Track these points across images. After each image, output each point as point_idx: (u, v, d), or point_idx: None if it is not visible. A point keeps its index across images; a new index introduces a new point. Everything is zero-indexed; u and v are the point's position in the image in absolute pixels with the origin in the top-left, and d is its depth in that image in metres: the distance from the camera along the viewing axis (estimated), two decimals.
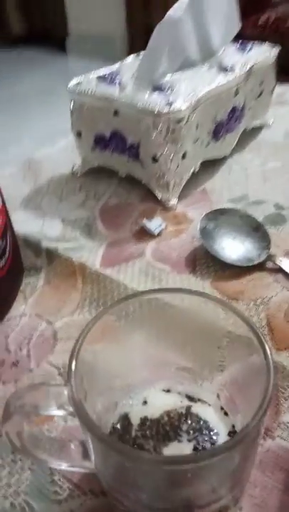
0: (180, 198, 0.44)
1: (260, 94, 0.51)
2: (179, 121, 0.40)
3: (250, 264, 0.36)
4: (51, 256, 0.39)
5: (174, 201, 0.44)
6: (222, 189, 0.46)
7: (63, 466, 0.24)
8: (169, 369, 0.26)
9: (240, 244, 0.38)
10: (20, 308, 0.36)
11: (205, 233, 0.38)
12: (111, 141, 0.45)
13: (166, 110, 0.39)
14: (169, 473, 0.18)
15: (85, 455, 0.24)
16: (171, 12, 0.43)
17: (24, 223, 0.43)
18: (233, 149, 0.50)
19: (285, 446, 0.26)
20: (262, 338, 0.21)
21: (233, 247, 0.38)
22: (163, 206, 0.44)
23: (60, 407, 0.20)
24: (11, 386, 0.30)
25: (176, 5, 0.44)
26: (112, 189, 0.47)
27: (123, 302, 0.22)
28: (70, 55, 2.51)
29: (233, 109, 0.47)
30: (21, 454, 0.25)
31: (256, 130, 0.55)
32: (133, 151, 0.44)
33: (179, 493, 0.19)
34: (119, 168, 0.47)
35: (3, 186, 0.34)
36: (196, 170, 0.45)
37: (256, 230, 0.38)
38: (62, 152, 0.54)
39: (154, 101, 0.41)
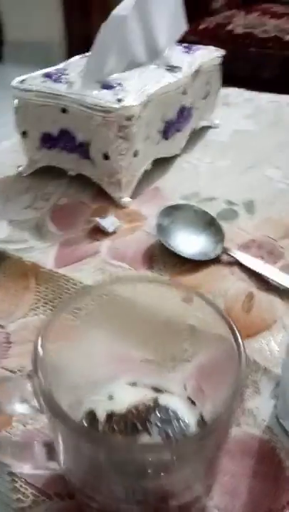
0: (133, 196, 0.44)
1: (207, 95, 0.52)
2: (130, 118, 0.40)
3: (207, 259, 0.36)
4: None
5: (126, 199, 0.43)
6: (174, 187, 0.46)
7: (27, 469, 0.22)
8: (134, 362, 0.25)
9: (195, 239, 0.38)
10: None
11: (161, 229, 0.38)
12: (59, 140, 0.44)
13: (117, 106, 0.39)
14: (143, 463, 0.17)
15: (50, 456, 0.22)
16: (116, 10, 0.43)
17: None
18: (183, 148, 0.50)
19: (251, 433, 0.26)
20: (232, 324, 0.21)
21: (189, 242, 0.38)
22: (116, 204, 0.43)
23: (23, 401, 0.18)
24: None
25: (121, 4, 0.43)
26: (61, 189, 0.46)
27: (75, 299, 0.21)
28: (7, 63, 2.44)
29: (182, 109, 0.47)
30: None
31: (204, 130, 0.55)
32: (83, 149, 0.43)
33: (154, 485, 0.18)
34: (69, 167, 0.45)
35: None
36: (148, 168, 0.45)
37: (210, 225, 0.39)
38: (6, 153, 0.52)
39: (104, 97, 0.40)
